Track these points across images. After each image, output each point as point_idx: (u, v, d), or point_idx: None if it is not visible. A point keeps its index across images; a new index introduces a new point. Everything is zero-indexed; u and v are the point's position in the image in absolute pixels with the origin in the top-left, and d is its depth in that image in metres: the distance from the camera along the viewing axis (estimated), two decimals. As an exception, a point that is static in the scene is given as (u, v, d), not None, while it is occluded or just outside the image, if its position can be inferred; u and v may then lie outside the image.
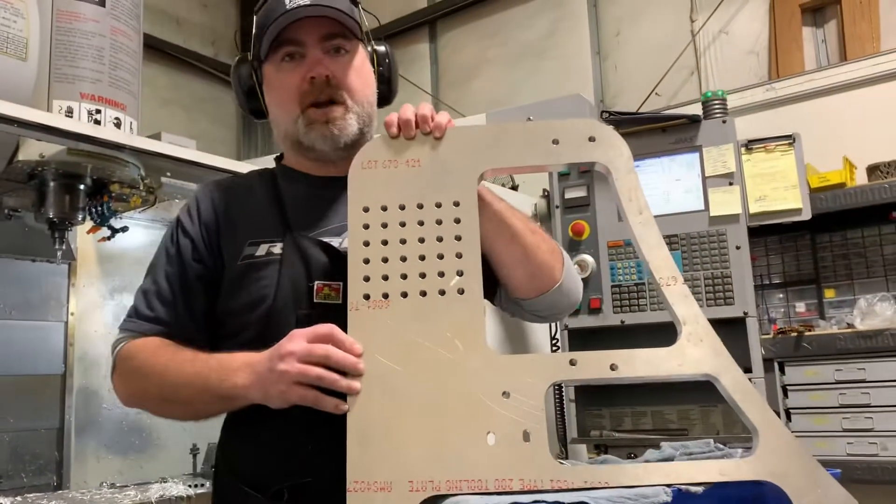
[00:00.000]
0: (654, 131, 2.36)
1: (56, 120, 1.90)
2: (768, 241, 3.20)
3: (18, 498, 1.93)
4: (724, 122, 2.31)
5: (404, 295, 1.09)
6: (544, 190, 2.57)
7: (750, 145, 2.27)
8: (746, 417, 1.01)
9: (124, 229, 2.31)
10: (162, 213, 2.52)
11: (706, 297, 2.23)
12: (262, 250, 1.27)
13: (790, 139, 2.26)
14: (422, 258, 1.11)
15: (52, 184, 2.10)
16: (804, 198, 2.22)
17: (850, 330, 2.69)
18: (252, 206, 1.35)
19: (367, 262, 1.11)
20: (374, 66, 1.41)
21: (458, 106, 4.80)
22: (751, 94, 3.66)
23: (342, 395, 1.05)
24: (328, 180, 1.35)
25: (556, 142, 1.16)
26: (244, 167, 2.23)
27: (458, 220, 1.13)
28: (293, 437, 1.18)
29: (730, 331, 2.21)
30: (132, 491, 2.12)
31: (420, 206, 1.14)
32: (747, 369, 2.17)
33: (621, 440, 2.23)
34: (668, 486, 0.97)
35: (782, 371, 2.77)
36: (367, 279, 1.10)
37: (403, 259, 1.11)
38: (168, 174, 2.18)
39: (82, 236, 2.48)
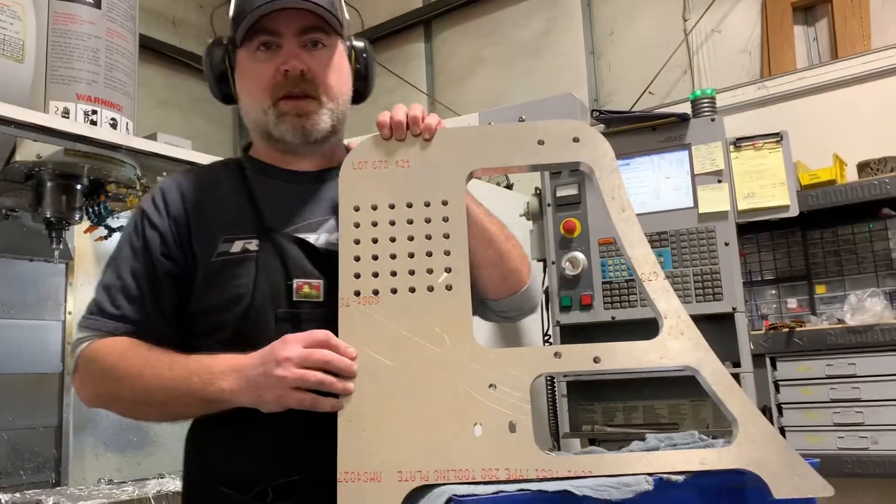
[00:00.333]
0: (645, 129, 2.39)
1: (53, 121, 1.92)
2: (760, 238, 3.22)
3: (17, 494, 1.95)
4: (712, 120, 2.34)
5: (394, 291, 1.13)
6: (536, 188, 2.60)
7: (738, 143, 2.30)
8: (726, 408, 1.04)
9: (121, 229, 2.33)
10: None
11: (695, 293, 2.26)
12: (237, 247, 1.24)
13: (778, 137, 2.28)
14: (411, 255, 1.14)
15: (49, 184, 2.13)
16: (792, 194, 2.25)
17: (840, 325, 2.71)
18: (223, 200, 1.30)
19: (357, 259, 1.14)
20: (351, 63, 1.38)
21: (453, 105, 4.82)
22: (742, 92, 3.68)
23: (335, 394, 1.07)
24: (299, 174, 1.34)
25: (541, 142, 1.19)
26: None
27: (446, 219, 1.16)
28: (276, 436, 1.16)
29: (719, 326, 2.24)
30: (130, 487, 2.15)
31: (409, 206, 1.17)
32: (736, 364, 2.20)
33: (612, 434, 2.26)
34: (650, 474, 0.99)
35: (774, 366, 2.79)
36: (357, 276, 1.13)
37: (393, 256, 1.14)
38: (164, 174, 2.20)
39: (79, 236, 2.50)
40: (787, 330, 2.76)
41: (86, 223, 2.28)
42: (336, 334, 1.11)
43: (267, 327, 1.18)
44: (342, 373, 1.06)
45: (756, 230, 3.12)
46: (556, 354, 1.09)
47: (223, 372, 1.12)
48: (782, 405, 2.76)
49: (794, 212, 2.26)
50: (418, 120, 1.21)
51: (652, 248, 2.23)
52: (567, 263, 2.40)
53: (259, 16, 1.24)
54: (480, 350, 1.09)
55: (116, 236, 2.32)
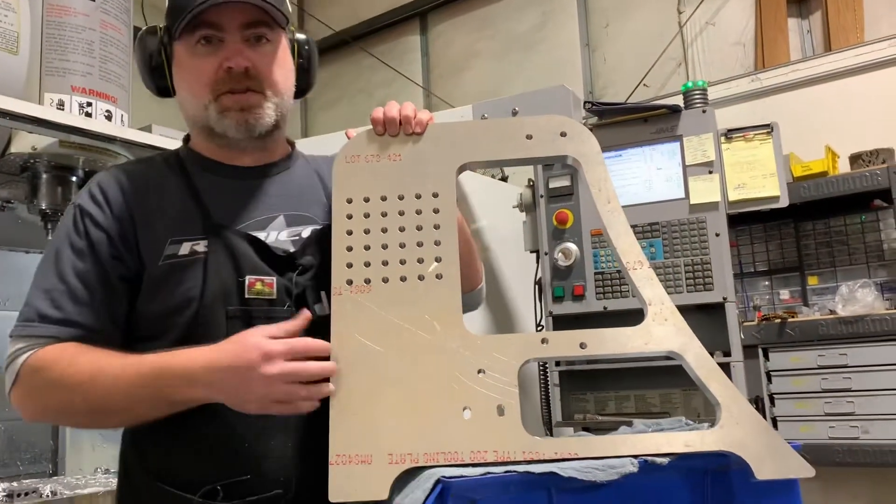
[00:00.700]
0: (637, 121, 2.40)
1: (48, 113, 1.93)
2: (753, 230, 3.25)
3: (14, 483, 1.96)
4: (704, 111, 2.35)
5: (385, 280, 1.15)
6: (529, 180, 2.62)
7: (729, 134, 2.31)
8: (710, 392, 1.06)
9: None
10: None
11: (686, 283, 2.28)
12: (185, 249, 1.19)
13: (768, 128, 2.30)
14: (402, 246, 1.17)
15: (44, 176, 2.13)
16: (782, 185, 2.26)
17: (832, 316, 2.74)
18: (167, 199, 1.25)
19: (349, 249, 1.17)
20: (294, 58, 1.35)
21: (449, 98, 4.83)
22: (736, 84, 3.70)
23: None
24: (244, 171, 1.31)
25: (529, 137, 1.23)
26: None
27: (436, 210, 1.19)
28: (223, 434, 1.14)
29: (710, 316, 2.26)
30: (126, 476, 2.16)
31: (401, 198, 1.20)
32: (726, 353, 2.22)
33: (604, 423, 2.28)
34: (635, 457, 1.02)
35: (766, 357, 2.81)
36: (349, 266, 1.16)
37: (384, 247, 1.17)
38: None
39: (75, 228, 2.51)
40: (779, 321, 2.79)
41: (81, 215, 2.29)
42: None
43: (218, 326, 1.15)
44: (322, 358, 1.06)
45: (749, 222, 3.15)
46: (544, 341, 1.11)
47: (194, 375, 1.07)
48: (774, 395, 2.78)
49: (783, 202, 2.27)
50: (410, 119, 1.22)
51: (643, 238, 2.30)
52: (560, 254, 2.41)
53: (201, 9, 1.19)
54: (470, 337, 1.12)
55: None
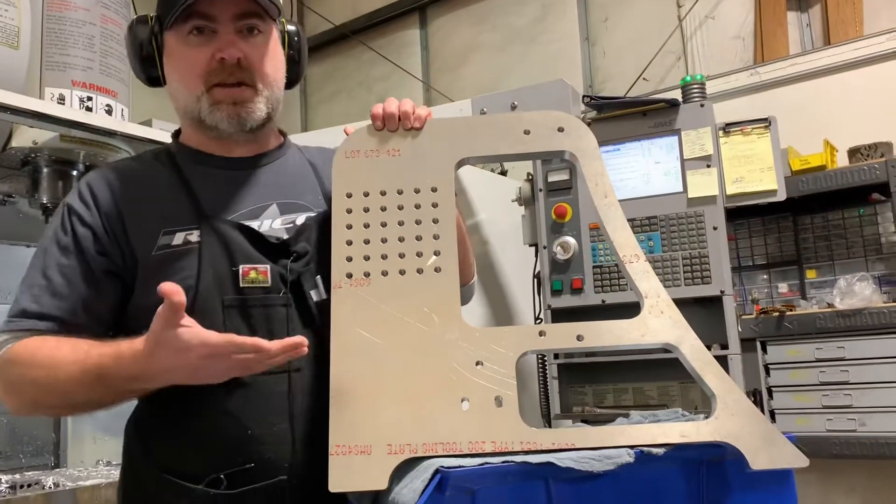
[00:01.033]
0: (635, 115, 2.41)
1: (48, 107, 1.94)
2: (751, 224, 3.25)
3: (17, 475, 1.98)
4: (702, 105, 2.35)
5: (385, 274, 1.17)
6: (528, 174, 2.62)
7: (727, 128, 2.32)
8: (705, 383, 1.07)
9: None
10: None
11: (684, 277, 2.29)
12: (178, 239, 1.19)
13: (766, 122, 2.30)
14: (401, 240, 1.18)
15: (45, 170, 2.15)
16: (780, 179, 2.27)
17: (829, 309, 2.74)
18: (158, 192, 1.25)
19: (349, 243, 1.18)
20: (284, 49, 1.34)
21: (448, 92, 4.83)
22: (735, 78, 3.70)
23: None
24: (235, 161, 1.31)
25: (527, 132, 1.24)
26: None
27: (435, 205, 1.20)
28: (226, 424, 1.15)
29: (708, 309, 2.27)
30: (128, 468, 2.17)
31: (400, 192, 1.21)
32: (724, 346, 2.23)
33: (602, 416, 2.29)
34: (632, 447, 1.03)
35: (764, 350, 2.82)
36: (349, 259, 1.17)
37: (384, 240, 1.18)
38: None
39: (76, 222, 2.52)
40: (777, 314, 2.79)
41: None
42: (285, 319, 1.17)
43: (214, 316, 1.16)
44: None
45: (747, 215, 3.15)
46: (541, 333, 1.13)
47: (137, 376, 1.06)
48: (772, 388, 2.79)
49: (781, 196, 2.28)
50: (409, 114, 1.23)
51: (642, 232, 2.31)
52: (558, 248, 2.42)
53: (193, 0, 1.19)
54: (468, 329, 1.13)
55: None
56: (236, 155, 1.32)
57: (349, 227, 1.19)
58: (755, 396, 2.74)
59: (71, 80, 2.05)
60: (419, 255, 1.17)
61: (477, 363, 1.10)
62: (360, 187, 1.21)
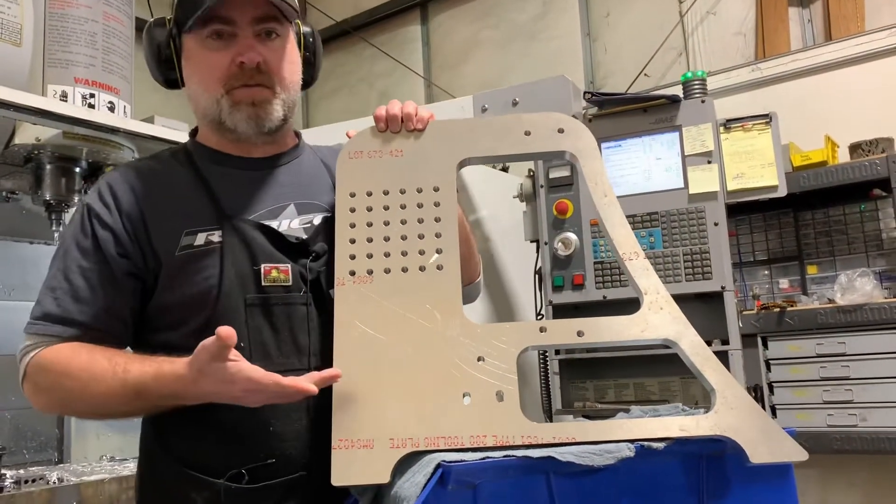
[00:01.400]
0: (636, 111, 2.41)
1: (51, 104, 1.95)
2: (752, 219, 3.26)
3: (21, 471, 1.99)
4: (702, 101, 2.36)
5: (387, 271, 1.18)
6: (529, 170, 2.63)
7: (728, 124, 2.32)
8: (704, 378, 1.08)
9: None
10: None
11: (685, 272, 2.30)
12: (200, 239, 1.21)
13: (767, 118, 2.30)
14: (404, 238, 1.20)
15: (48, 167, 2.15)
16: (780, 175, 2.27)
17: (830, 305, 2.75)
18: (179, 193, 1.27)
19: (353, 241, 1.20)
20: (300, 50, 1.36)
21: (449, 88, 4.83)
22: (737, 74, 3.70)
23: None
24: (253, 161, 1.33)
25: (527, 133, 1.27)
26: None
27: (437, 204, 1.23)
28: (247, 419, 1.15)
29: (708, 305, 2.28)
30: (132, 464, 2.19)
31: (402, 192, 1.23)
32: (725, 341, 2.24)
33: (603, 411, 2.30)
34: (632, 441, 1.04)
35: (765, 346, 2.83)
36: (352, 257, 1.19)
37: (386, 239, 1.20)
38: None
39: (79, 218, 2.52)
40: (778, 310, 2.80)
41: (85, 205, 2.30)
42: (305, 317, 1.20)
43: (237, 314, 1.18)
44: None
45: (749, 211, 3.16)
46: (542, 329, 1.14)
47: (177, 395, 1.10)
48: (773, 383, 2.80)
49: (782, 192, 2.28)
50: (412, 116, 1.26)
51: (643, 228, 2.32)
52: (559, 244, 2.43)
53: (213, 3, 1.20)
54: (469, 325, 1.14)
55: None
56: (254, 155, 1.34)
57: (352, 225, 1.21)
58: (756, 392, 2.75)
59: (73, 77, 2.05)
60: (421, 253, 1.19)
61: (478, 359, 1.11)
62: (364, 187, 1.23)
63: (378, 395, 1.09)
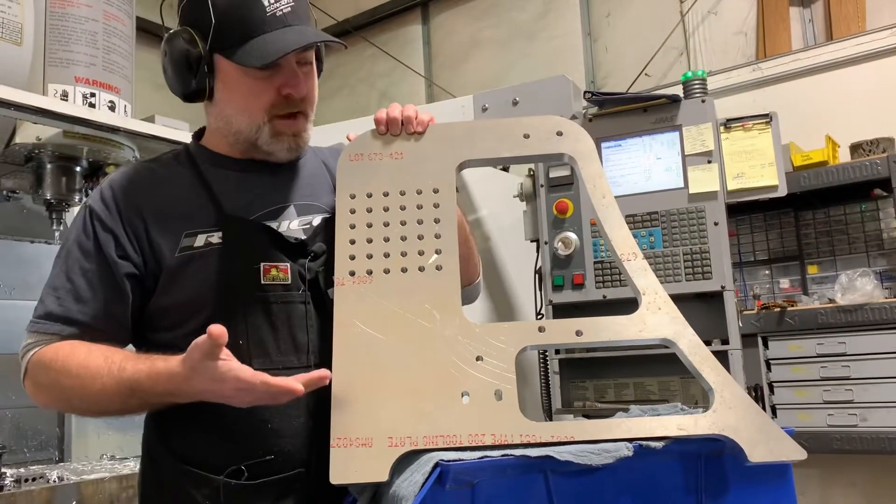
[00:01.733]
0: (636, 111, 2.41)
1: (52, 103, 1.95)
2: (753, 219, 3.26)
3: (22, 469, 1.99)
4: (703, 101, 2.36)
5: (387, 272, 1.19)
6: (530, 170, 2.63)
7: (728, 124, 2.32)
8: (703, 377, 1.08)
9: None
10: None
11: (685, 272, 2.30)
12: (200, 241, 1.23)
13: (767, 118, 2.30)
14: (403, 239, 1.21)
15: (48, 166, 2.15)
16: (781, 175, 2.27)
17: (831, 305, 2.75)
18: (179, 195, 1.28)
19: (352, 242, 1.21)
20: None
21: (450, 87, 4.83)
22: (737, 73, 3.70)
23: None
24: (254, 164, 1.34)
25: (526, 136, 1.28)
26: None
27: (437, 205, 1.24)
28: (246, 417, 1.16)
29: (708, 304, 2.28)
30: (132, 462, 2.20)
31: (402, 193, 1.24)
32: (725, 341, 2.24)
33: (603, 410, 2.30)
34: (631, 440, 1.04)
35: (766, 345, 2.83)
36: (352, 258, 1.20)
37: (386, 239, 1.21)
38: (163, 156, 2.22)
39: (79, 217, 2.52)
40: (778, 309, 2.80)
41: (85, 205, 2.30)
42: (303, 315, 1.21)
43: (236, 312, 1.20)
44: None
45: (749, 211, 3.16)
46: (541, 329, 1.14)
47: (171, 393, 1.11)
48: (773, 383, 2.80)
49: (782, 192, 2.28)
50: (412, 119, 1.28)
51: (643, 227, 2.32)
52: (559, 243, 2.43)
53: (275, 49, 1.21)
54: (468, 325, 1.15)
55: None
56: (254, 157, 1.34)
57: (352, 226, 1.22)
58: (756, 392, 2.75)
59: (74, 76, 2.05)
60: (421, 253, 1.20)
61: (477, 358, 1.11)
62: (364, 189, 1.24)
63: (377, 393, 1.09)
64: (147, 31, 5.32)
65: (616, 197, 1.24)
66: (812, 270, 3.16)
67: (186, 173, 1.32)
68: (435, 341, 1.13)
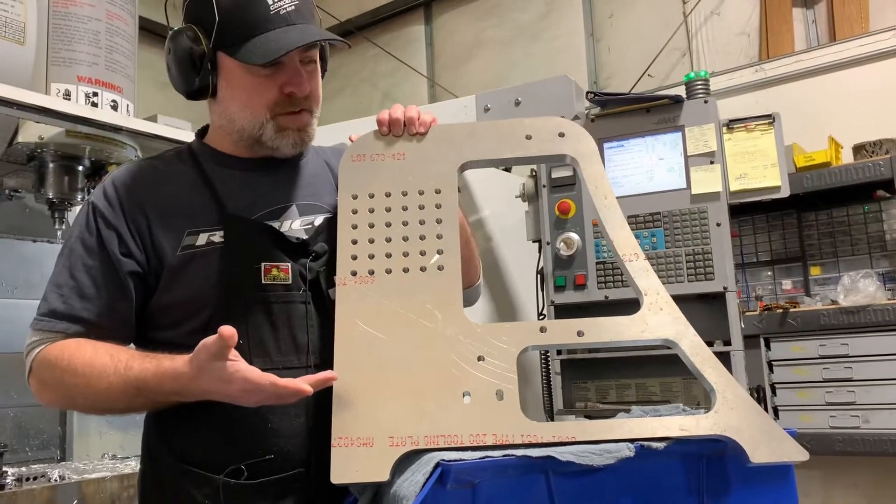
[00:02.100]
0: (639, 111, 2.41)
1: (54, 102, 1.95)
2: (756, 220, 3.25)
3: (23, 468, 1.99)
4: (705, 102, 2.35)
5: (388, 272, 1.20)
6: (532, 170, 2.62)
7: (731, 125, 2.31)
8: (704, 378, 1.08)
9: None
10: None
11: (687, 273, 2.29)
12: (202, 239, 1.23)
13: (770, 119, 2.30)
14: (405, 239, 1.22)
15: (51, 165, 2.16)
16: (783, 176, 2.27)
17: (833, 306, 2.74)
18: (181, 193, 1.28)
19: (354, 242, 1.21)
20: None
21: (452, 88, 4.83)
22: (740, 74, 3.70)
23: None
24: (258, 163, 1.33)
25: (528, 137, 1.28)
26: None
27: (438, 206, 1.24)
28: (246, 416, 1.16)
29: (711, 305, 2.27)
30: (133, 462, 2.20)
31: (404, 194, 1.25)
32: (727, 342, 2.23)
33: (605, 411, 2.30)
34: (632, 441, 1.03)
35: (768, 347, 2.83)
36: (354, 258, 1.20)
37: (388, 240, 1.22)
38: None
39: (82, 217, 2.53)
40: (781, 311, 2.80)
41: (88, 204, 2.31)
42: (304, 315, 1.21)
43: (237, 312, 1.20)
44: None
45: (752, 212, 3.15)
46: (542, 329, 1.14)
47: (177, 392, 1.12)
48: (776, 385, 2.80)
49: (785, 193, 2.28)
50: (414, 120, 1.28)
51: (645, 228, 2.32)
52: (561, 244, 2.43)
53: (278, 47, 1.21)
54: (470, 325, 1.15)
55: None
56: (258, 156, 1.34)
57: (354, 226, 1.23)
58: (758, 393, 2.75)
59: (76, 75, 2.06)
60: (422, 253, 1.21)
61: (479, 358, 1.11)
62: (366, 189, 1.25)
63: (378, 393, 1.09)
64: (150, 30, 5.33)
65: (618, 197, 1.25)
66: (815, 272, 3.15)
67: (189, 171, 1.32)
68: (436, 341, 1.13)
